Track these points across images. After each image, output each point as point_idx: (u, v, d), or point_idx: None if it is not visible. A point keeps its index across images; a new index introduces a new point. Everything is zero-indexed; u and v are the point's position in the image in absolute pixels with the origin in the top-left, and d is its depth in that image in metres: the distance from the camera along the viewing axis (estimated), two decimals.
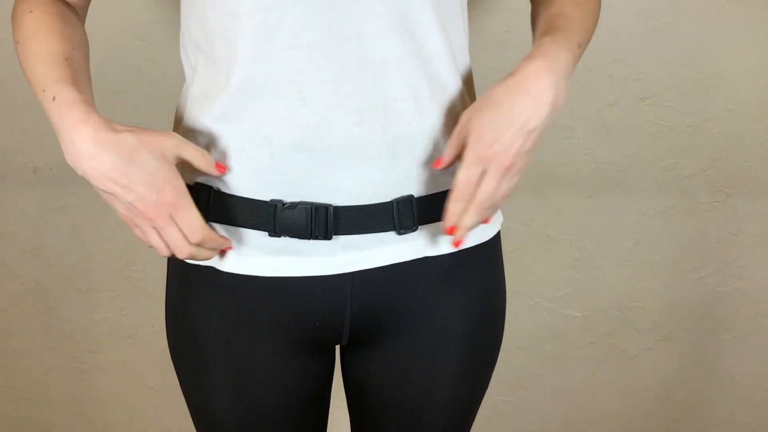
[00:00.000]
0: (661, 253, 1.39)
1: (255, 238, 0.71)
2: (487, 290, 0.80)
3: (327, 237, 0.69)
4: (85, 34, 0.74)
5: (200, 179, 0.71)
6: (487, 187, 0.63)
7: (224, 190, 0.70)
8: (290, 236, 0.69)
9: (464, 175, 0.63)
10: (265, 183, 0.69)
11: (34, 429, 1.59)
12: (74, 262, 1.42)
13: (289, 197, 0.69)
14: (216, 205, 0.70)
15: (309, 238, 0.69)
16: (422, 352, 0.78)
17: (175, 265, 0.78)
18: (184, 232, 0.64)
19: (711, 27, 1.20)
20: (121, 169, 0.61)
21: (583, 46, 0.69)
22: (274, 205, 0.68)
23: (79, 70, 0.67)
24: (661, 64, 1.24)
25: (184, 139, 0.65)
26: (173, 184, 0.62)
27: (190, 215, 0.64)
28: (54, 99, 0.63)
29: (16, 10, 0.71)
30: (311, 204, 0.68)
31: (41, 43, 0.66)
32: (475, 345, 0.80)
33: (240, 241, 0.71)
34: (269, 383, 0.77)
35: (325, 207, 0.68)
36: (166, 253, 0.66)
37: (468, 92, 0.74)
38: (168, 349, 0.83)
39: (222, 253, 0.71)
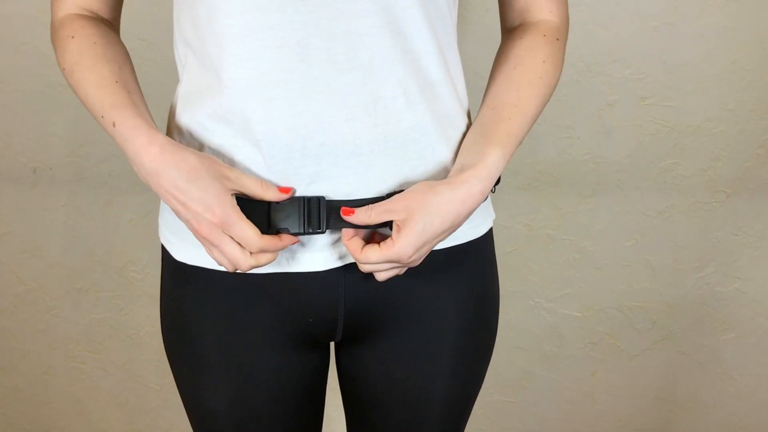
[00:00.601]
0: (661, 253, 1.40)
1: None
2: (480, 286, 0.80)
3: (320, 230, 0.69)
4: (124, 47, 0.75)
5: None
6: (389, 273, 0.70)
7: None
8: (283, 231, 0.69)
9: (374, 267, 0.68)
10: None
11: (34, 429, 1.59)
12: (74, 262, 1.42)
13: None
14: None
15: (303, 233, 0.69)
16: (416, 348, 0.78)
17: (168, 262, 0.78)
18: (242, 245, 0.65)
19: (711, 27, 1.21)
20: (179, 187, 0.63)
21: (522, 134, 0.72)
22: (268, 203, 0.68)
23: (131, 89, 0.69)
24: (661, 64, 1.24)
25: (242, 172, 0.67)
26: (220, 201, 0.63)
27: (242, 229, 0.64)
28: (114, 125, 0.65)
29: (57, 36, 0.72)
30: (303, 197, 0.68)
31: (89, 70, 0.68)
32: (468, 341, 0.80)
33: None
34: (264, 380, 0.77)
35: (318, 198, 0.68)
36: (230, 268, 0.67)
37: (457, 89, 0.74)
38: None
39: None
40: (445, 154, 0.72)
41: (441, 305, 0.77)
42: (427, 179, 0.72)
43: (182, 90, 0.73)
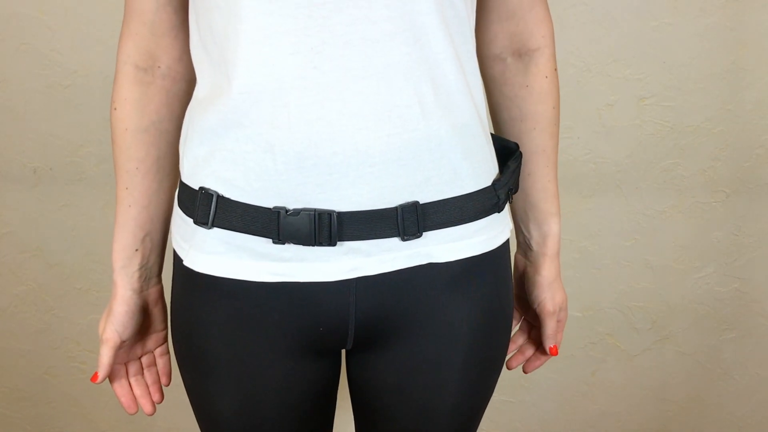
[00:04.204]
0: (661, 253, 1.40)
1: (259, 244, 0.70)
2: (494, 299, 0.78)
3: (331, 243, 0.68)
4: (162, 121, 0.77)
5: (204, 184, 0.71)
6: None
7: (228, 196, 0.69)
8: (294, 243, 0.68)
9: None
10: (268, 189, 0.68)
11: (34, 429, 1.59)
12: (74, 262, 1.42)
13: (292, 203, 0.68)
14: (220, 211, 0.70)
15: (313, 245, 0.68)
16: (426, 359, 0.77)
17: (179, 268, 0.77)
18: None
19: (711, 27, 1.21)
20: (108, 321, 0.81)
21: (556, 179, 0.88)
22: (278, 212, 0.67)
23: (133, 199, 0.77)
24: (661, 64, 1.24)
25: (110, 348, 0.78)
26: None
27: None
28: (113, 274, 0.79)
29: (114, 82, 0.77)
30: (314, 210, 0.67)
31: (116, 157, 0.76)
32: (479, 354, 0.79)
33: (244, 247, 0.71)
34: (274, 388, 0.77)
35: (329, 213, 0.67)
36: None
37: (474, 97, 0.73)
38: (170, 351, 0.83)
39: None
40: (460, 164, 0.71)
41: (453, 317, 0.76)
42: (440, 189, 0.71)
43: (198, 94, 0.72)
